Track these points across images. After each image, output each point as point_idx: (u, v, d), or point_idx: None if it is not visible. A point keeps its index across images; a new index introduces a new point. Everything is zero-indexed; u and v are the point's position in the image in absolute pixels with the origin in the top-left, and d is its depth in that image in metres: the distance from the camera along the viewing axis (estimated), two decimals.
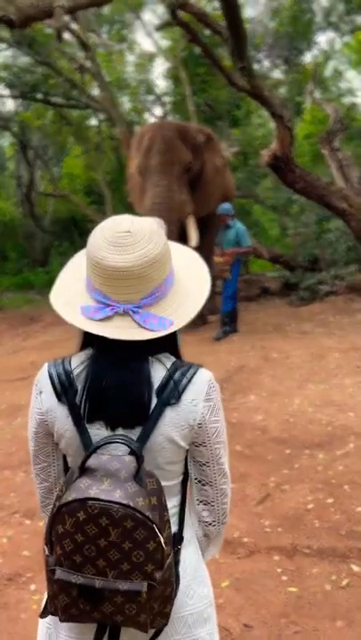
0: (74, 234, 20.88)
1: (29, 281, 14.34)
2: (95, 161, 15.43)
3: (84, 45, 9.16)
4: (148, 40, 24.75)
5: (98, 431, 1.04)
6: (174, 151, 6.90)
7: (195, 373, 1.07)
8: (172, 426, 1.04)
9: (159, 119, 12.86)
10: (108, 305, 1.02)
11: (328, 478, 3.26)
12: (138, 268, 1.00)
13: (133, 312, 1.01)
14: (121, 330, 1.00)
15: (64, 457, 1.14)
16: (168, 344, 1.09)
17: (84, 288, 1.08)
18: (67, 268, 1.17)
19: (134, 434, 1.03)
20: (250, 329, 7.44)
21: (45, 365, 1.12)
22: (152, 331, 1.01)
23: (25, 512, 3.26)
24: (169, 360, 1.08)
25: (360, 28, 13.22)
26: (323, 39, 13.60)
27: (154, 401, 1.03)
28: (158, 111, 14.10)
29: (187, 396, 1.05)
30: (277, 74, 13.66)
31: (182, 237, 7.00)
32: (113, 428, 1.04)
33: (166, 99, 13.50)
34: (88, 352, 1.09)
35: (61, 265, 1.20)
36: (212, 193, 7.72)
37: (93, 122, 17.35)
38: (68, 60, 12.52)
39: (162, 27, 8.71)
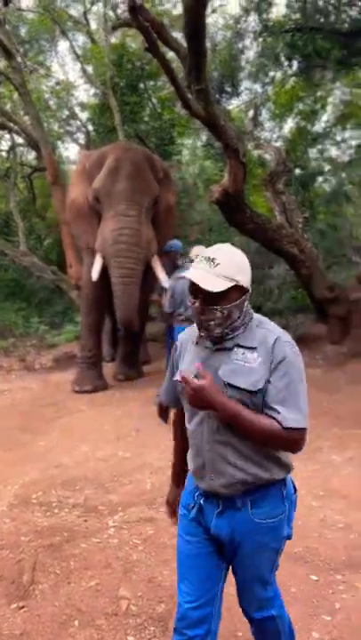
0: None
1: None
2: (4, 189, 13.97)
3: (8, 53, 8.01)
4: (66, 68, 23.98)
5: None
6: (144, 180, 5.90)
7: None
8: None
9: (83, 147, 11.88)
10: None
11: None
12: None
13: None
14: None
15: None
16: None
17: None
18: None
19: None
20: None
21: None
22: None
23: None
24: None
25: (280, 82, 13.44)
26: (249, 88, 13.69)
27: None
28: (81, 139, 13.09)
29: None
30: None
31: (144, 278, 6.09)
32: None
33: (90, 127, 12.54)
34: None
35: None
36: (163, 233, 6.84)
37: (3, 146, 15.97)
38: None
39: (117, 27, 7.85)
